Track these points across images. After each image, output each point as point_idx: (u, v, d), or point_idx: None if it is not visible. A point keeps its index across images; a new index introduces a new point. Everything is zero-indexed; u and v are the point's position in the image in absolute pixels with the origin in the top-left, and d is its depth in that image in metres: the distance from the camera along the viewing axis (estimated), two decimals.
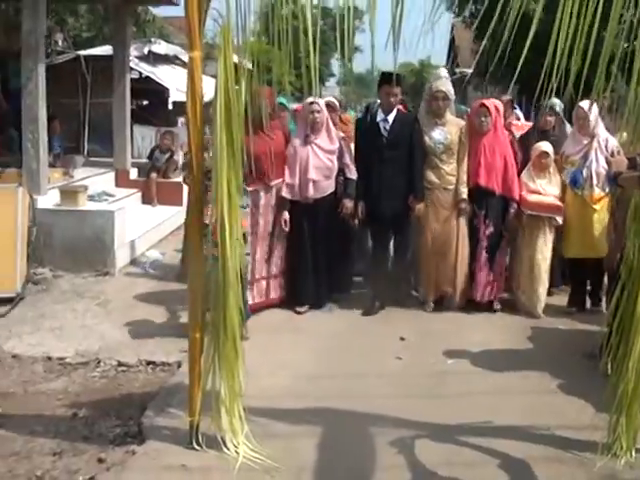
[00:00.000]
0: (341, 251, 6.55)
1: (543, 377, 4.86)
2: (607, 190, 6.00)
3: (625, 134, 5.34)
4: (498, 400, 4.45)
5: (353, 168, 6.33)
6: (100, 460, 3.73)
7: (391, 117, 6.19)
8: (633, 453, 3.68)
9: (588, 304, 6.41)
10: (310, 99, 6.00)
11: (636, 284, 3.67)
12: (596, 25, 3.23)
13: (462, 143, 6.28)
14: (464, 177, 6.26)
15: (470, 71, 14.90)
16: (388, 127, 6.19)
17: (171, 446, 3.74)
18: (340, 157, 6.31)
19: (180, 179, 9.24)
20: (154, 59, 13.19)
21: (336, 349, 5.42)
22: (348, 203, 6.25)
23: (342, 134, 6.60)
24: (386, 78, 6.13)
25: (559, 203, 6.25)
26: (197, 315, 3.67)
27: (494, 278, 6.42)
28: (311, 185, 6.15)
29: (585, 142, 6.20)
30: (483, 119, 6.24)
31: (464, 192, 6.24)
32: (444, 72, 6.52)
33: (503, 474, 3.58)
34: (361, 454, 3.78)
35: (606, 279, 6.04)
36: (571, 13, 3.26)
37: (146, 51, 12.91)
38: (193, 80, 3.50)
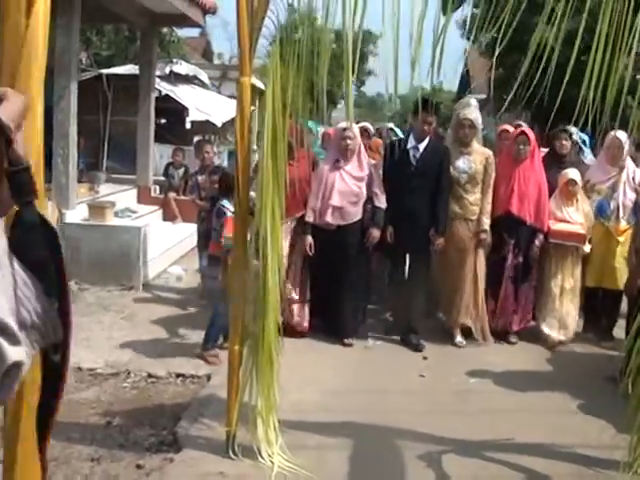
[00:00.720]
0: (362, 280, 6.36)
1: (564, 398, 4.99)
2: (632, 222, 6.11)
3: None
4: (520, 418, 4.58)
5: (382, 197, 6.07)
6: (139, 466, 3.86)
7: (422, 145, 6.00)
8: None
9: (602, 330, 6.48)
10: (343, 125, 5.95)
11: None
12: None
13: (487, 173, 6.09)
14: (488, 207, 6.09)
15: (483, 97, 15.02)
16: (418, 155, 6.00)
17: (208, 455, 3.88)
18: (369, 185, 6.08)
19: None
20: (175, 78, 13.44)
21: (359, 366, 5.55)
22: (375, 232, 6.01)
23: (373, 161, 6.51)
24: (423, 105, 5.83)
25: (583, 232, 6.15)
26: (238, 328, 3.82)
27: (517, 309, 6.29)
28: (330, 211, 5.94)
29: (614, 173, 6.25)
30: (522, 147, 6.13)
31: (486, 223, 6.07)
32: (473, 101, 6.33)
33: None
34: (390, 467, 3.92)
35: (625, 304, 6.16)
36: (597, 47, 3.48)
37: (167, 71, 13.16)
38: (242, 105, 3.67)
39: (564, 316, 6.21)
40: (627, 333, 5.01)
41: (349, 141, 5.97)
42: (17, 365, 0.64)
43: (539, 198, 6.17)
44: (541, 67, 3.55)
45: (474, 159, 6.06)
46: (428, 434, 4.29)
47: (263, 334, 3.77)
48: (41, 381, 0.69)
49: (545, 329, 6.23)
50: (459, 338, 6.20)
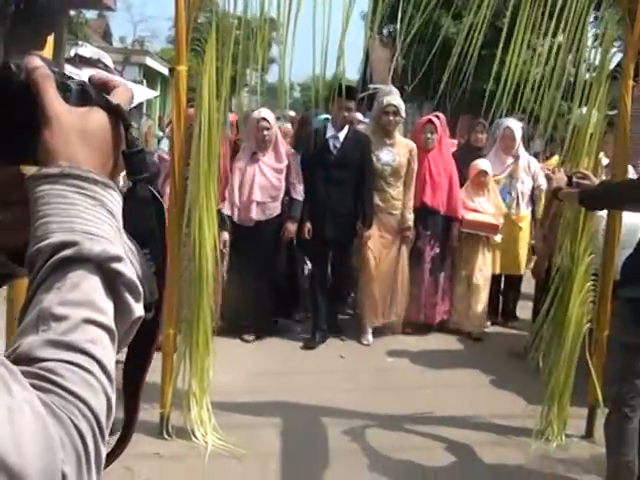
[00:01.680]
0: (286, 275, 6.09)
1: (476, 374, 5.31)
2: (529, 208, 6.47)
3: (557, 157, 5.92)
4: (437, 393, 4.86)
5: (300, 188, 5.78)
6: None
7: (342, 134, 5.76)
8: (563, 437, 4.15)
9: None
10: (260, 113, 5.62)
11: (567, 289, 4.13)
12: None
13: (410, 166, 5.91)
14: (410, 203, 5.93)
15: (385, 87, 15.23)
16: (338, 144, 5.75)
17: (143, 436, 3.92)
18: (287, 175, 5.80)
19: None
20: (79, 61, 13.11)
21: (279, 350, 5.70)
22: (291, 226, 5.76)
23: (292, 150, 6.10)
24: (341, 91, 5.39)
25: (496, 222, 6.21)
26: (172, 313, 3.89)
27: (437, 301, 6.24)
28: (254, 207, 5.68)
29: (509, 162, 6.40)
30: (430, 135, 6.06)
31: (410, 219, 5.92)
32: (394, 89, 5.99)
33: (451, 455, 3.97)
34: (317, 441, 4.08)
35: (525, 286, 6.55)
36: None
37: (72, 53, 12.82)
38: (178, 93, 3.72)
39: (475, 306, 6.24)
40: (535, 313, 5.34)
41: (266, 132, 5.67)
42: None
43: (450, 187, 6.13)
44: (460, 63, 3.81)
45: (398, 151, 5.88)
46: (351, 410, 4.49)
47: (198, 318, 3.86)
48: (132, 340, 0.79)
49: (456, 319, 6.32)
50: (369, 337, 6.03)
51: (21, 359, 0.63)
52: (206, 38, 3.77)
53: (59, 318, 0.65)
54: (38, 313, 0.66)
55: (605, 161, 4.61)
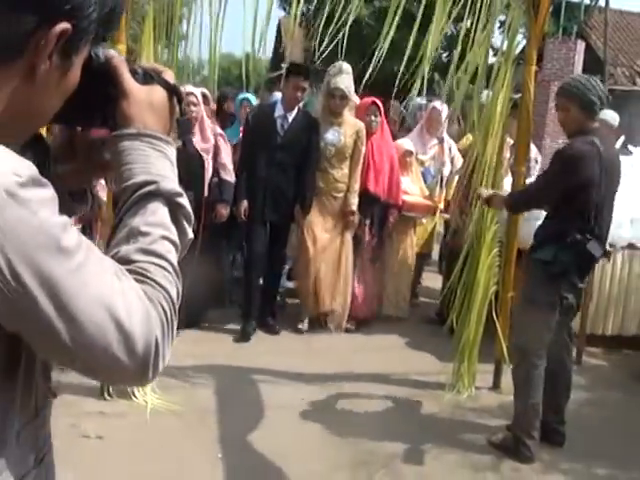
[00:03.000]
0: (213, 261, 5.58)
1: (394, 338, 5.72)
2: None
3: (470, 136, 6.33)
4: (359, 356, 5.22)
5: (230, 168, 5.53)
6: None
7: (291, 115, 5.43)
8: (473, 389, 4.60)
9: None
10: (187, 89, 5.06)
11: (476, 255, 4.56)
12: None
13: (357, 148, 5.60)
14: (356, 186, 5.63)
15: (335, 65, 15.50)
16: (287, 126, 5.42)
17: (85, 398, 4.10)
18: (215, 156, 5.45)
19: None
20: None
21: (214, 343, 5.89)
22: (223, 209, 5.43)
23: (219, 130, 5.75)
24: (295, 69, 5.41)
25: (431, 203, 6.21)
26: None
27: (374, 292, 6.06)
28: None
29: (434, 143, 6.45)
30: (373, 118, 5.77)
31: (354, 203, 5.61)
32: (346, 66, 5.49)
33: (375, 407, 4.36)
34: (252, 400, 4.37)
35: None
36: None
37: None
38: None
39: (404, 289, 6.22)
40: (445, 283, 5.70)
41: (193, 107, 5.20)
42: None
43: (392, 172, 5.91)
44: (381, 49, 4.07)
45: (344, 131, 5.57)
46: (283, 371, 4.80)
47: None
48: None
49: (386, 305, 6.21)
50: (305, 324, 5.81)
51: (122, 261, 0.91)
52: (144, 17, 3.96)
53: (145, 234, 0.94)
54: (128, 231, 0.95)
55: (510, 142, 5.06)
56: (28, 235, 0.79)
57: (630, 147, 6.49)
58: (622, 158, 6.12)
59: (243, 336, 5.50)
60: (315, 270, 5.67)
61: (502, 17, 4.51)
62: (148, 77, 1.05)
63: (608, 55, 16.92)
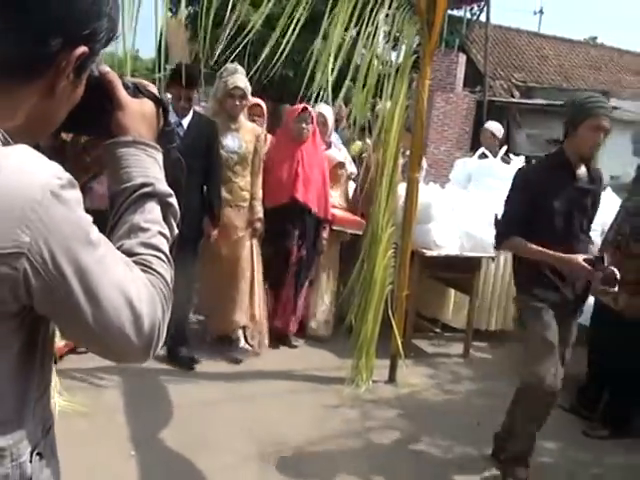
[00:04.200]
0: None
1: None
2: None
3: (358, 143, 6.59)
4: (266, 356, 5.39)
5: None
6: None
7: (186, 120, 4.91)
8: (370, 382, 4.87)
9: None
10: None
11: (373, 256, 4.83)
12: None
13: (257, 153, 5.28)
14: (259, 193, 5.31)
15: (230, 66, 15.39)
16: (182, 132, 4.89)
17: None
18: None
19: None
20: None
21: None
22: None
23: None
24: (177, 75, 4.67)
25: (360, 219, 5.86)
26: None
27: (296, 307, 5.69)
28: None
29: (322, 148, 5.97)
30: (304, 125, 5.42)
31: (260, 210, 5.29)
32: (240, 68, 5.18)
33: (279, 402, 4.54)
34: (159, 398, 4.46)
35: None
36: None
37: None
38: None
39: (327, 307, 5.95)
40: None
41: None
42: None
43: (322, 184, 5.61)
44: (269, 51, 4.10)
45: (243, 137, 5.24)
46: (191, 372, 4.91)
47: None
48: None
49: (313, 325, 5.91)
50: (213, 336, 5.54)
51: (127, 253, 1.07)
52: None
53: (145, 230, 1.11)
54: (129, 227, 1.10)
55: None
56: (68, 230, 0.93)
57: (511, 156, 6.99)
58: (503, 166, 6.64)
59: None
60: (223, 286, 5.30)
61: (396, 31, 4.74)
62: (137, 91, 1.20)
63: (488, 68, 17.81)
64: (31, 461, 1.05)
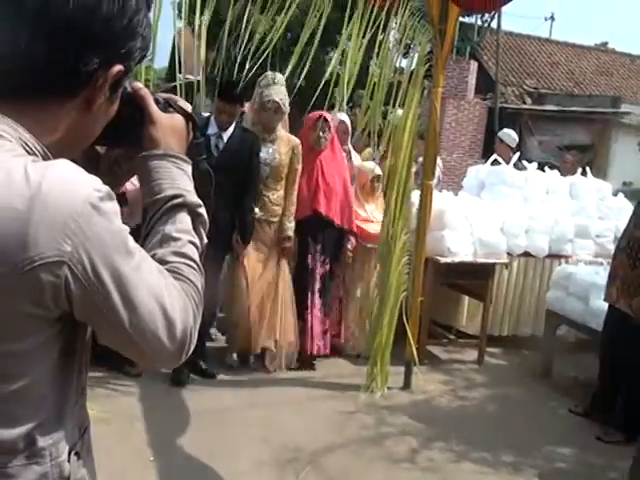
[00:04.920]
0: None
1: None
2: None
3: (369, 150, 6.62)
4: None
5: None
6: None
7: (227, 134, 4.77)
8: (385, 389, 4.90)
9: None
10: None
11: (387, 264, 4.86)
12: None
13: (293, 167, 5.04)
14: (292, 209, 5.05)
15: (197, 78, 15.48)
16: (222, 145, 4.76)
17: None
18: None
19: None
20: None
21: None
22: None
23: None
24: (221, 89, 4.72)
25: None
26: None
27: (329, 326, 5.40)
28: None
29: (343, 155, 5.73)
30: (322, 134, 5.15)
31: (290, 228, 5.03)
32: (279, 77, 4.99)
33: (297, 409, 4.57)
34: (178, 405, 4.50)
35: None
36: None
37: None
38: None
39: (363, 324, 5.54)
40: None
41: None
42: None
43: (345, 194, 5.33)
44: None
45: (279, 148, 5.02)
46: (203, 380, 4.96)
47: None
48: None
49: (353, 344, 5.64)
50: (234, 357, 5.27)
51: (160, 262, 1.11)
52: None
53: (176, 239, 1.15)
54: (162, 236, 1.15)
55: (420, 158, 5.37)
56: (108, 240, 0.98)
57: (524, 162, 7.01)
58: (517, 173, 6.67)
59: (176, 384, 4.80)
60: (248, 305, 5.05)
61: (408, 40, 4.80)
62: (168, 106, 1.25)
63: (499, 75, 17.84)
64: (69, 460, 1.09)
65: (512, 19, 70.85)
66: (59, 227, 0.93)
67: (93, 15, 1.00)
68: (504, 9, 21.27)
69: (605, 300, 4.64)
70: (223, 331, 5.56)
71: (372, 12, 4.31)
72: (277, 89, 4.92)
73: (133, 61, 1.09)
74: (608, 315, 4.65)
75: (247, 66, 3.88)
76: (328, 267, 5.28)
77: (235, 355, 5.25)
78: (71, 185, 0.96)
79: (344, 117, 5.83)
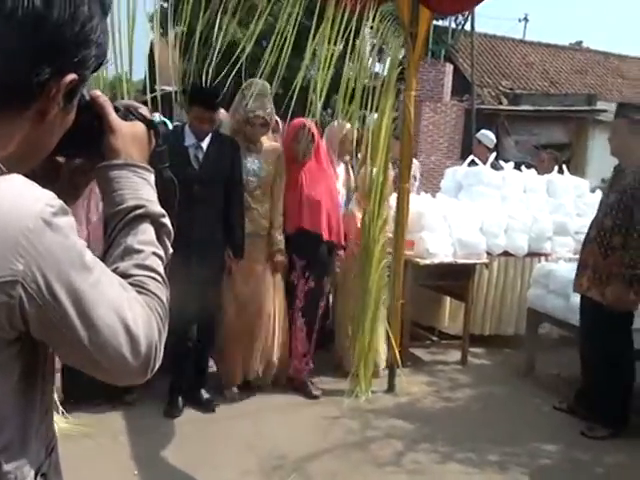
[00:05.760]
0: None
1: None
2: None
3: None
4: None
5: None
6: None
7: (205, 142, 4.40)
8: (369, 393, 4.89)
9: None
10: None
11: (367, 266, 4.86)
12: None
13: (278, 174, 4.71)
14: (280, 219, 4.73)
15: (171, 89, 15.41)
16: (201, 155, 4.38)
17: None
18: None
19: None
20: None
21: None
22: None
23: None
24: (199, 96, 4.28)
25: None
26: None
27: (310, 349, 5.00)
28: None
29: (341, 167, 5.67)
30: (305, 145, 4.79)
31: (280, 240, 4.71)
32: (265, 85, 4.55)
33: (279, 415, 4.56)
34: (161, 417, 4.47)
35: None
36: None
37: None
38: None
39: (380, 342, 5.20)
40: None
41: None
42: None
43: (333, 206, 4.99)
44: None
45: (265, 158, 4.69)
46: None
47: None
48: None
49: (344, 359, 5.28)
50: (234, 390, 4.84)
51: (122, 275, 1.09)
52: None
53: (139, 251, 1.13)
54: (124, 249, 1.13)
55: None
56: (62, 256, 0.95)
57: (501, 162, 7.06)
58: (495, 173, 6.71)
59: (171, 413, 4.51)
60: (243, 326, 4.73)
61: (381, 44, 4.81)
62: (128, 113, 1.23)
63: (475, 77, 17.95)
64: None
65: (486, 21, 71.49)
66: (10, 245, 0.91)
67: (43, 22, 0.96)
68: (477, 11, 21.40)
69: (575, 291, 4.68)
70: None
71: (343, 17, 4.32)
72: (263, 101, 4.57)
73: (88, 69, 1.06)
74: (581, 306, 4.68)
75: (222, 74, 3.85)
76: (313, 284, 4.90)
77: (235, 388, 4.84)
78: (22, 201, 0.93)
79: (348, 126, 5.30)
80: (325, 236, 4.88)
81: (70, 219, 0.99)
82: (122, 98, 4.36)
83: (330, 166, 5.10)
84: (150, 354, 1.04)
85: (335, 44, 4.40)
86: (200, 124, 4.33)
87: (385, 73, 4.79)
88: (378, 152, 4.70)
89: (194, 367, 4.64)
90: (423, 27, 4.57)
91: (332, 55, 4.37)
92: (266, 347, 4.81)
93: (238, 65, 3.86)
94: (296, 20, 4.11)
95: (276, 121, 5.28)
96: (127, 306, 1.02)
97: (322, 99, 4.35)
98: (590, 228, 4.65)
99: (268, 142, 4.82)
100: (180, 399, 4.54)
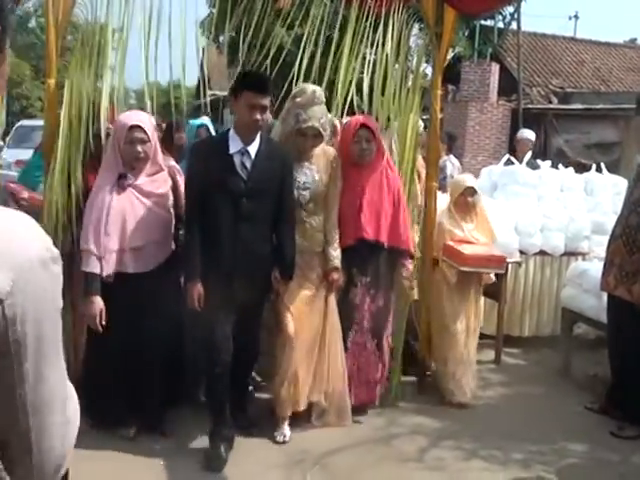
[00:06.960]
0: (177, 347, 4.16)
1: None
2: None
3: None
4: None
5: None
6: None
7: (254, 148, 3.81)
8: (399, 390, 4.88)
9: None
10: (131, 118, 3.92)
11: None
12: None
13: (332, 183, 4.21)
14: (334, 234, 4.20)
15: (223, 94, 15.78)
16: (249, 164, 3.79)
17: None
18: (176, 199, 4.11)
19: None
20: None
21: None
22: (194, 288, 3.75)
23: (172, 162, 4.40)
24: (248, 80, 3.76)
25: (500, 253, 5.00)
26: None
27: (382, 372, 4.55)
28: (129, 256, 3.90)
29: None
30: (365, 145, 4.29)
31: (336, 257, 4.17)
32: (319, 92, 4.09)
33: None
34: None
35: None
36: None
37: None
38: (50, 105, 4.11)
39: (466, 367, 4.88)
40: None
41: (140, 146, 3.88)
42: None
43: (396, 210, 4.43)
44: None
45: (317, 166, 4.19)
46: None
47: None
48: None
49: (451, 387, 4.87)
50: (286, 431, 4.19)
51: None
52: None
53: None
54: None
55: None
56: (48, 302, 0.99)
57: (538, 161, 7.00)
58: (530, 172, 6.66)
59: (214, 468, 3.81)
60: (296, 355, 4.13)
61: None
62: None
63: (524, 76, 17.74)
64: None
65: (536, 19, 70.39)
66: (8, 266, 0.92)
67: None
68: (527, 10, 21.09)
69: (602, 289, 4.63)
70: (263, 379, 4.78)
71: (368, 18, 4.39)
72: (316, 110, 4.03)
73: (6, 19, 1.04)
74: (608, 305, 4.63)
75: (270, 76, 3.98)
76: (381, 302, 4.42)
77: (287, 427, 4.21)
78: (29, 235, 0.98)
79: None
80: (386, 244, 4.38)
81: (60, 269, 1.02)
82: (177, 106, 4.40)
83: (395, 167, 4.57)
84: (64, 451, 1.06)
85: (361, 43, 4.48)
86: (251, 112, 3.67)
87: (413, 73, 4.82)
88: (405, 151, 4.71)
89: (236, 390, 4.10)
90: (448, 27, 4.59)
91: (356, 56, 4.45)
92: (322, 373, 4.24)
93: (285, 68, 4.07)
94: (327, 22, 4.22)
95: (334, 125, 4.62)
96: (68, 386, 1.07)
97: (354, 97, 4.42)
98: (615, 226, 4.60)
99: (321, 146, 4.24)
100: (222, 448, 3.85)
